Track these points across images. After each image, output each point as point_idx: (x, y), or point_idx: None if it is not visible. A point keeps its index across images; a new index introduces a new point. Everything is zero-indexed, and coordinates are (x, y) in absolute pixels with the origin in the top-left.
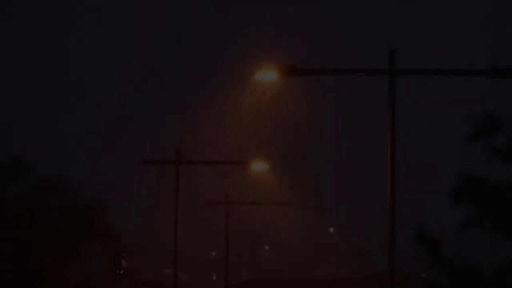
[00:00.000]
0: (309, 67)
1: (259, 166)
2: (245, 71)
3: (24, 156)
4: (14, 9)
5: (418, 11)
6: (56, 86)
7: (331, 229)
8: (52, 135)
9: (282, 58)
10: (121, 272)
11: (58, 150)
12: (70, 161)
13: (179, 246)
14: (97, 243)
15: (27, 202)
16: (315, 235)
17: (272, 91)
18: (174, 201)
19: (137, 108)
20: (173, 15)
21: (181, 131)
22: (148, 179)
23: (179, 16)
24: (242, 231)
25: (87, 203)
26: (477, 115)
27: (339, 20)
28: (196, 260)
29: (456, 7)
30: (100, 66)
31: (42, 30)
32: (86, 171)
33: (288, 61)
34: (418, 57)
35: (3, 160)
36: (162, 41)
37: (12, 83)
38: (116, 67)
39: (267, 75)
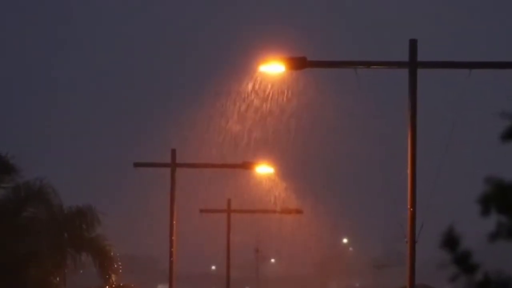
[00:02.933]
0: (320, 58)
1: (263, 170)
2: (249, 64)
3: (8, 156)
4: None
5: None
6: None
7: (344, 240)
8: (40, 134)
9: (289, 49)
10: None
11: (45, 150)
12: (57, 162)
13: (175, 259)
14: (84, 255)
15: (10, 208)
16: (327, 246)
17: (279, 86)
18: (169, 209)
19: (133, 106)
20: (173, 13)
21: (178, 131)
22: (141, 184)
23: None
24: (245, 242)
25: (76, 210)
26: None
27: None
28: (193, 274)
29: None
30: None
31: (36, 22)
32: (74, 173)
33: (296, 52)
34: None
35: None
36: (161, 38)
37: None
38: (112, 64)
39: (273, 68)
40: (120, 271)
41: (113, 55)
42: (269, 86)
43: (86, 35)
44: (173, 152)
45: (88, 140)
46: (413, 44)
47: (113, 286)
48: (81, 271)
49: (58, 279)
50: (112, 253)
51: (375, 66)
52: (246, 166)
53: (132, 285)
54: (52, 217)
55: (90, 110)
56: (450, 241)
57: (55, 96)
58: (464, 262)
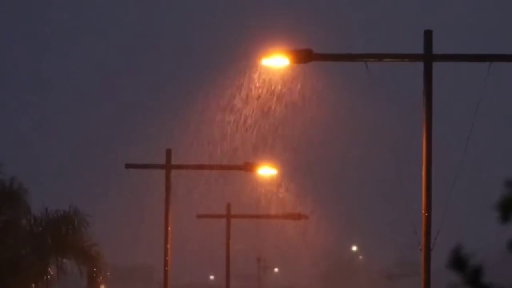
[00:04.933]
0: (327, 51)
1: (265, 171)
2: (251, 57)
3: None
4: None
5: None
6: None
7: (354, 248)
8: (22, 136)
9: (294, 41)
10: None
11: (28, 152)
12: (42, 165)
13: (170, 268)
14: (70, 262)
15: None
16: (335, 255)
17: (282, 81)
18: (164, 213)
19: (126, 104)
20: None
21: (174, 130)
22: (133, 188)
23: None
24: (246, 250)
25: (62, 216)
26: None
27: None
28: (190, 284)
29: None
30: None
31: (23, 19)
32: (61, 177)
33: (301, 44)
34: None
35: None
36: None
37: None
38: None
39: (277, 62)
40: (108, 275)
41: (111, 53)
42: (272, 81)
43: (81, 34)
44: (168, 152)
45: (82, 140)
46: (428, 35)
47: None
48: (67, 280)
49: (40, 286)
50: (100, 260)
51: (387, 59)
52: (247, 167)
53: None
54: (32, 220)
55: (84, 109)
56: (458, 262)
57: (48, 95)
58: (475, 282)
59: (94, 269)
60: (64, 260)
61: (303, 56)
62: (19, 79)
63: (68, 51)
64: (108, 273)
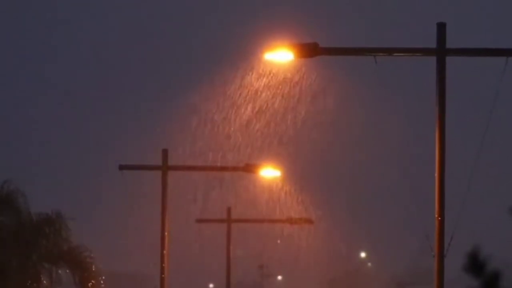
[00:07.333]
0: (334, 45)
1: (268, 173)
2: (253, 51)
3: None
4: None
5: None
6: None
7: (362, 254)
8: (22, 136)
9: (299, 35)
10: None
11: (16, 153)
12: (42, 165)
13: (167, 275)
14: (60, 268)
15: None
16: (342, 262)
17: (286, 77)
18: (160, 217)
19: (121, 101)
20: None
21: (171, 130)
22: (128, 190)
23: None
24: (247, 257)
25: (45, 218)
26: None
27: None
28: None
29: None
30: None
31: (23, 19)
32: (60, 177)
33: (307, 38)
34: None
35: None
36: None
37: None
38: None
39: (280, 56)
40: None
41: (111, 53)
42: (276, 77)
43: (81, 34)
44: (165, 152)
45: (81, 141)
46: (441, 28)
47: None
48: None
49: None
50: (93, 266)
51: (397, 54)
52: (249, 169)
53: None
54: (21, 226)
55: (74, 106)
56: (475, 266)
57: (49, 95)
58: (493, 287)
59: (87, 276)
60: (55, 267)
61: (309, 50)
62: (19, 79)
63: (68, 51)
64: (102, 277)
